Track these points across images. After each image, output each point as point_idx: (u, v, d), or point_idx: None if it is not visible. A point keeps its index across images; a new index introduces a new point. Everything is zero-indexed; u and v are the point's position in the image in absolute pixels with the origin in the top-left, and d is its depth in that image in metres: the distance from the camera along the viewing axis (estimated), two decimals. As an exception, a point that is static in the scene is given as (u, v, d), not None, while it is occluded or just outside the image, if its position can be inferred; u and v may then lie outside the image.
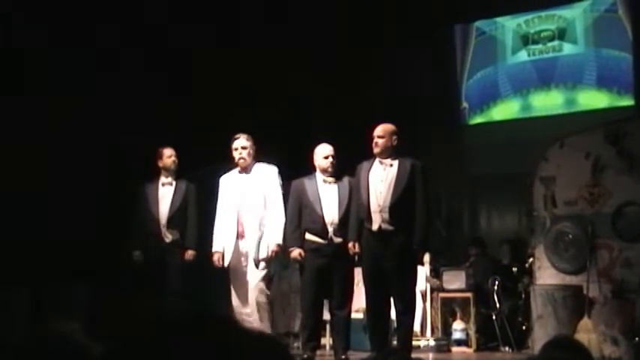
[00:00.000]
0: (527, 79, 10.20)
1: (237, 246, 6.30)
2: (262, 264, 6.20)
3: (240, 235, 6.30)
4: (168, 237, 6.75)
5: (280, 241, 6.21)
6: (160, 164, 6.90)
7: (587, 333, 6.43)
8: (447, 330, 8.08)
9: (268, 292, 6.22)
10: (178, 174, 6.98)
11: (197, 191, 6.95)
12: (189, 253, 6.67)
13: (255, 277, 6.19)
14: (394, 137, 6.01)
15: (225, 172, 6.53)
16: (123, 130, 8.12)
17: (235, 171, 6.45)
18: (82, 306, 6.60)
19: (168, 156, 6.90)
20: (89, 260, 7.40)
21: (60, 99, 7.80)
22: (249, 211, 6.30)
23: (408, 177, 5.89)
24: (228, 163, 6.48)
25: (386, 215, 5.82)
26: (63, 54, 7.93)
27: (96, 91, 8.09)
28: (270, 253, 6.20)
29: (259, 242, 6.23)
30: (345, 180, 6.32)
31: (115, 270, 7.28)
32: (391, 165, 5.95)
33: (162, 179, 6.91)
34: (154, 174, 6.97)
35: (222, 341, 1.29)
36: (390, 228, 5.81)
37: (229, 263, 6.32)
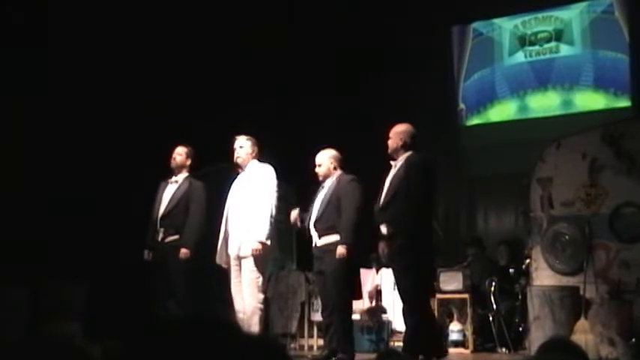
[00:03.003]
0: (525, 80, 10.22)
1: (225, 246, 6.27)
2: (251, 265, 6.11)
3: (226, 234, 6.27)
4: (161, 235, 6.67)
5: (263, 239, 6.07)
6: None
7: (584, 334, 6.44)
8: (443, 331, 8.09)
9: (260, 295, 6.12)
10: (191, 173, 6.91)
11: (206, 190, 6.81)
12: (183, 252, 6.52)
13: (246, 278, 6.14)
14: (401, 137, 5.95)
15: (230, 172, 6.51)
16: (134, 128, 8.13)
17: (238, 173, 6.46)
18: (82, 306, 6.59)
19: (176, 153, 6.88)
20: (91, 260, 7.39)
21: (62, 100, 7.81)
22: (235, 210, 6.27)
23: (402, 176, 5.84)
24: (231, 164, 6.49)
25: (384, 217, 5.82)
26: (63, 54, 7.93)
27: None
28: (253, 252, 6.08)
29: (241, 241, 6.15)
30: (335, 180, 6.24)
31: (115, 270, 7.28)
32: (396, 166, 5.95)
33: (172, 178, 6.91)
34: (169, 172, 6.93)
35: (220, 343, 1.29)
36: (390, 229, 5.80)
37: (225, 263, 6.29)
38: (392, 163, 5.98)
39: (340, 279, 6.04)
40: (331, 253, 5.98)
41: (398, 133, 5.98)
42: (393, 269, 5.94)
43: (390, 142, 5.98)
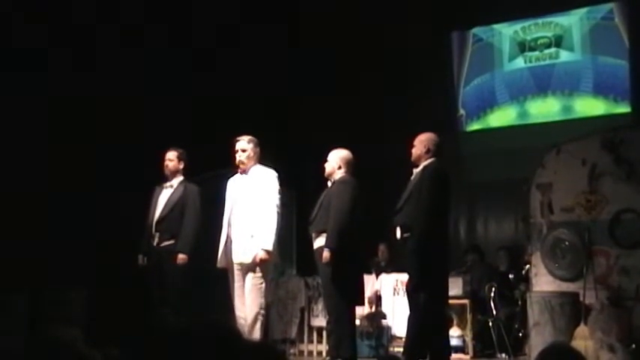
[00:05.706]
0: (524, 86, 10.23)
1: (228, 249, 6.23)
2: (255, 272, 6.07)
3: (229, 238, 6.23)
4: (156, 240, 6.61)
5: (269, 247, 6.04)
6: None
7: (583, 340, 6.43)
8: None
9: (262, 300, 6.09)
10: (186, 177, 6.86)
11: (202, 194, 6.77)
12: (180, 257, 6.47)
13: (249, 284, 6.11)
14: (425, 144, 5.96)
15: (231, 176, 6.46)
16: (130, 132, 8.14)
17: (238, 173, 6.40)
18: (81, 312, 6.59)
19: (167, 159, 6.85)
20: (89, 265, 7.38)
21: (63, 102, 7.81)
22: (238, 214, 6.22)
23: (414, 184, 5.87)
24: (232, 167, 6.43)
25: (397, 220, 5.84)
26: (62, 54, 7.94)
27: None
28: (256, 260, 6.06)
29: (245, 247, 6.11)
30: (334, 181, 6.21)
31: (115, 275, 7.26)
32: (416, 172, 5.96)
33: (166, 182, 6.88)
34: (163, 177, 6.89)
35: (220, 351, 1.29)
36: (403, 235, 5.82)
37: (226, 267, 6.26)
38: (414, 170, 6.00)
39: (328, 284, 6.01)
40: (320, 257, 5.97)
41: (422, 140, 6.00)
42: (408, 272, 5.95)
43: (414, 149, 6.00)
